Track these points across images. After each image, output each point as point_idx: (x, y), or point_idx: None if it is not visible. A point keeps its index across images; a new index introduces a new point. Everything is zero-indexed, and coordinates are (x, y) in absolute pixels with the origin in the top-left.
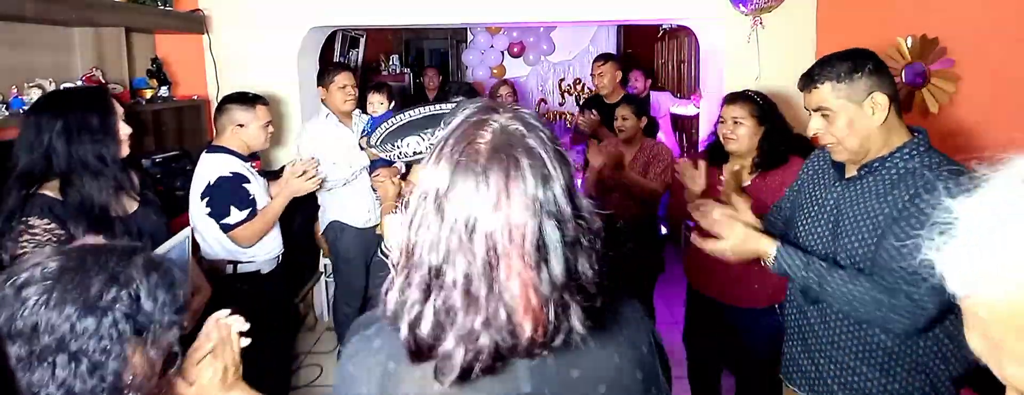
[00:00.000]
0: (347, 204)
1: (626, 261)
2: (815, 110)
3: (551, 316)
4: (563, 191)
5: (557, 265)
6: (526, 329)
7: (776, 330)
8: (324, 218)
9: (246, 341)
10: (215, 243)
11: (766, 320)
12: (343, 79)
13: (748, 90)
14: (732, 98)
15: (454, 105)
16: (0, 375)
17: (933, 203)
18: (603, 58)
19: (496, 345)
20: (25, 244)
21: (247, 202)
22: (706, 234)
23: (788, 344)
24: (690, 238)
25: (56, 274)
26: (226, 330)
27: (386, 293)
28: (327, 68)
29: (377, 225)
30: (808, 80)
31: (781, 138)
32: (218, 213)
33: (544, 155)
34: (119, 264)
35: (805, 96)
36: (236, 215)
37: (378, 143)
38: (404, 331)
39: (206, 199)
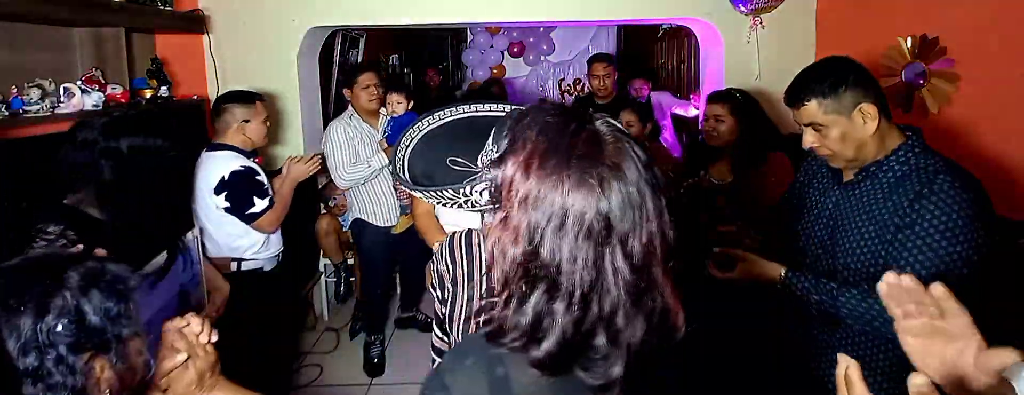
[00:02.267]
0: (368, 203)
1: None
2: (807, 125)
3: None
4: (666, 197)
5: (678, 263)
6: (680, 326)
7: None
8: (350, 215)
9: (214, 336)
10: (220, 241)
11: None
12: (366, 79)
13: (731, 88)
14: (714, 96)
15: (496, 105)
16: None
17: (934, 210)
18: (604, 60)
19: (648, 343)
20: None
21: (265, 192)
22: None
23: (792, 353)
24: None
25: None
26: (191, 338)
27: (500, 312)
28: (353, 70)
29: (395, 225)
30: (794, 98)
31: (761, 136)
32: (240, 205)
33: (646, 159)
34: (47, 291)
35: (794, 112)
36: (260, 204)
37: (403, 173)
38: (548, 345)
39: (223, 194)
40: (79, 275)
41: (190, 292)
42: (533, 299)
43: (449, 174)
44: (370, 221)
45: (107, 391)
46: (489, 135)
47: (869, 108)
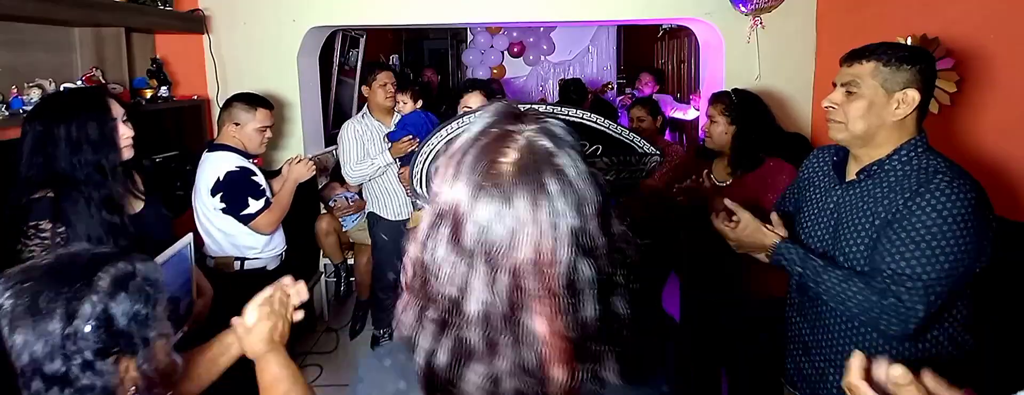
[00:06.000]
0: (379, 198)
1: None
2: (843, 84)
3: (583, 367)
4: (596, 219)
5: (590, 308)
6: (556, 379)
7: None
8: (366, 208)
9: (299, 315)
10: (223, 240)
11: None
12: (384, 77)
13: (736, 88)
14: (713, 97)
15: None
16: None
17: (926, 207)
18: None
19: (520, 392)
20: (34, 248)
21: (260, 192)
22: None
23: (789, 348)
24: (713, 222)
25: (10, 313)
26: (287, 295)
27: (401, 313)
28: (370, 68)
29: (408, 219)
30: (857, 54)
31: (755, 138)
32: (235, 206)
33: (575, 177)
34: (77, 295)
35: (843, 69)
36: (254, 205)
37: (420, 186)
38: (420, 361)
39: (219, 194)
40: (110, 277)
41: (180, 299)
42: (415, 304)
43: None
44: (382, 215)
45: (133, 390)
46: None
47: (913, 94)
